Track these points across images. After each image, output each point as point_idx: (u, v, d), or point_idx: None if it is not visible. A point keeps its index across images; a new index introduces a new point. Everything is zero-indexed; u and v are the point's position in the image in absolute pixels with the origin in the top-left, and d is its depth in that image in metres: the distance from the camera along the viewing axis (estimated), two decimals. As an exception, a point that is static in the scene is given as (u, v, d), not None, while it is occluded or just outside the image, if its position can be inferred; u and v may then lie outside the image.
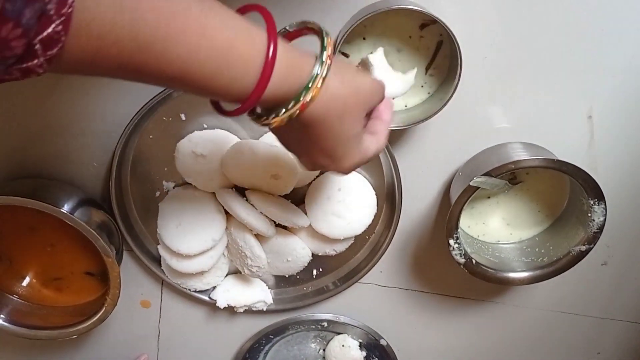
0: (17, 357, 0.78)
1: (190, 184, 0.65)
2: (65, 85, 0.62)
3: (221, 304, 0.70)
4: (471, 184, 0.55)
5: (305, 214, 0.65)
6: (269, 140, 0.62)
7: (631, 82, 0.60)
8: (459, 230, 0.60)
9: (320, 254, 0.69)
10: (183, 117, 0.63)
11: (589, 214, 0.58)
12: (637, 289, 0.73)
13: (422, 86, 0.59)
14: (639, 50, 0.59)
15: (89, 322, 0.66)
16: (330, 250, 0.68)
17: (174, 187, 0.66)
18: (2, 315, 0.67)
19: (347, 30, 0.53)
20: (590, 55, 0.60)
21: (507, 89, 0.62)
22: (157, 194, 0.67)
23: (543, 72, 0.61)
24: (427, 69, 0.58)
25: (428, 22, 0.56)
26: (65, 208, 0.61)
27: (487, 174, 0.56)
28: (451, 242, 0.60)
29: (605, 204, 0.57)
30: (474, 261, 0.61)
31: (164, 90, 0.60)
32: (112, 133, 0.64)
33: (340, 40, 0.54)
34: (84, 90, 0.62)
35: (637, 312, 0.75)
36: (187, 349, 0.79)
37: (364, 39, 0.57)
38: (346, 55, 0.58)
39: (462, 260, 0.61)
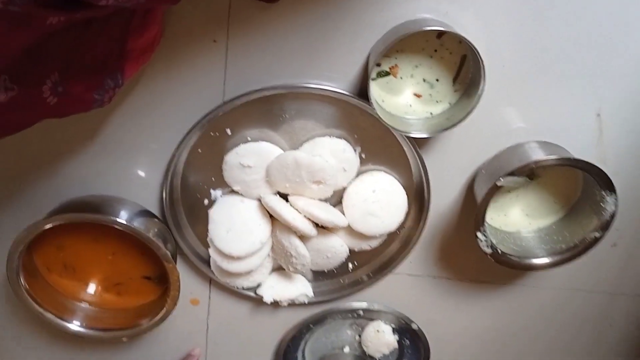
0: (87, 357, 0.85)
1: (237, 192, 0.71)
2: (117, 106, 0.68)
3: (267, 299, 0.76)
4: (498, 184, 0.62)
5: (343, 214, 0.71)
6: (309, 151, 0.68)
7: (637, 83, 0.66)
8: (485, 223, 0.66)
9: (356, 250, 0.75)
10: (229, 131, 0.68)
11: (602, 204, 0.65)
12: (645, 266, 0.80)
13: (449, 103, 0.66)
14: (641, 53, 0.65)
15: (151, 322, 0.73)
16: (365, 245, 0.75)
17: (221, 195, 0.72)
18: (77, 322, 0.74)
19: (381, 53, 0.59)
20: (598, 59, 0.65)
21: (522, 92, 0.68)
22: (206, 202, 0.73)
23: (555, 76, 0.67)
24: (454, 82, 0.64)
25: (445, 32, 0.61)
26: (125, 219, 0.67)
27: (511, 173, 0.62)
28: (479, 234, 0.67)
29: (616, 195, 0.64)
30: (499, 251, 0.68)
31: (213, 109, 0.66)
32: (163, 149, 0.70)
33: (374, 66, 0.60)
34: (135, 110, 0.68)
35: (645, 287, 0.82)
36: (234, 341, 0.86)
37: (386, 55, 0.63)
38: (378, 65, 0.63)
39: (489, 251, 0.68)
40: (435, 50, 0.63)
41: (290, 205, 0.69)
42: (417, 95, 0.66)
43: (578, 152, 0.67)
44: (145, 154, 0.71)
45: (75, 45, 0.48)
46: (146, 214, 0.71)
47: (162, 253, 0.67)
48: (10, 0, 0.36)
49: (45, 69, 0.48)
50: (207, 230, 0.72)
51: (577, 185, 0.70)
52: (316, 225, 0.71)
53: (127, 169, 0.72)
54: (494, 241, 0.68)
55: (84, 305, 0.75)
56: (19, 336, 0.84)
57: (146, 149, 0.71)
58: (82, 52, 0.49)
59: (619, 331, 0.87)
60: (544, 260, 0.69)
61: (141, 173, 0.72)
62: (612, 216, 0.65)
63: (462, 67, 0.64)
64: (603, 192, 0.64)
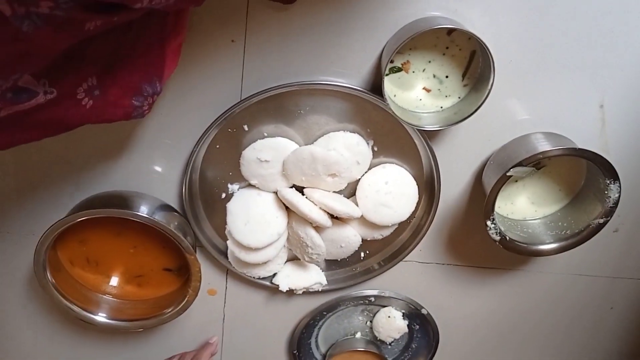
0: (111, 346, 0.88)
1: (254, 186, 0.74)
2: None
3: (283, 288, 0.79)
4: (508, 174, 0.65)
5: (357, 205, 0.74)
6: (324, 145, 0.71)
7: (637, 75, 0.69)
8: (494, 212, 0.69)
9: (368, 239, 0.78)
10: (246, 127, 0.71)
11: (606, 192, 0.68)
12: (645, 250, 0.83)
13: (458, 97, 0.68)
14: (641, 46, 0.68)
15: (173, 311, 0.75)
16: (377, 235, 0.77)
17: (238, 189, 0.75)
18: (103, 314, 0.76)
19: (395, 50, 0.62)
20: (601, 52, 0.68)
21: (527, 85, 0.70)
22: (223, 196, 0.75)
23: (559, 69, 0.69)
24: (463, 77, 0.67)
25: (455, 29, 0.64)
26: (147, 213, 0.69)
27: (519, 163, 0.65)
28: (488, 223, 0.69)
29: (619, 183, 0.67)
30: (507, 238, 0.71)
31: (231, 107, 0.68)
32: (182, 145, 0.72)
33: (387, 62, 0.62)
34: (156, 108, 0.70)
35: (645, 271, 0.86)
36: (249, 329, 0.89)
37: (398, 52, 0.66)
38: (392, 61, 0.66)
39: (497, 238, 0.71)
40: (447, 48, 0.65)
41: (306, 197, 0.72)
42: (427, 90, 0.68)
43: (582, 142, 0.70)
44: (164, 150, 0.73)
45: (115, 49, 0.50)
46: (166, 208, 0.73)
47: (184, 245, 0.69)
48: (56, 4, 0.38)
49: (83, 73, 0.50)
50: (224, 223, 0.75)
51: (581, 174, 0.72)
52: (330, 216, 0.73)
53: (147, 165, 0.74)
54: (502, 229, 0.70)
55: (106, 297, 0.78)
56: (45, 329, 0.87)
57: (165, 146, 0.73)
58: (121, 56, 0.50)
59: (620, 314, 0.91)
60: (550, 246, 0.72)
61: (159, 169, 0.75)
62: (616, 203, 0.68)
63: (471, 62, 0.66)
64: (607, 180, 0.67)
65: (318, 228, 0.74)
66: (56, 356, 0.89)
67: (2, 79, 0.43)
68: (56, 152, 0.73)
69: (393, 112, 0.66)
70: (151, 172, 0.75)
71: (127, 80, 0.52)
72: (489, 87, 0.63)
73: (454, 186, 0.77)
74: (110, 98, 0.52)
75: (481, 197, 0.75)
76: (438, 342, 0.88)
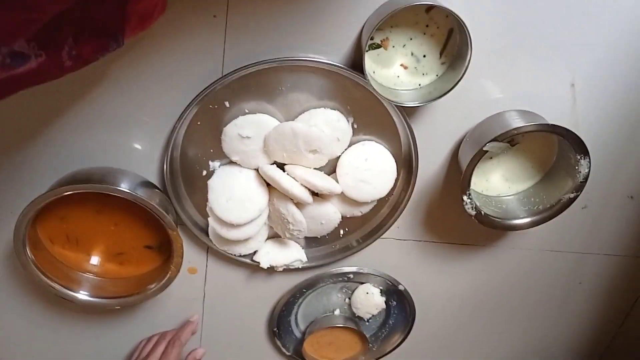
0: (91, 325, 0.88)
1: (235, 163, 0.74)
2: (119, 81, 0.70)
3: (264, 264, 0.80)
4: (484, 149, 0.67)
5: (337, 182, 0.75)
6: (305, 121, 0.72)
7: (608, 55, 0.71)
8: (470, 187, 0.71)
9: (348, 216, 0.79)
10: (227, 104, 0.71)
11: (576, 167, 0.71)
12: (612, 227, 0.86)
13: (436, 75, 0.70)
14: (613, 28, 0.70)
15: (155, 288, 0.76)
16: (357, 212, 0.79)
17: (219, 166, 0.75)
18: (84, 292, 0.76)
19: (375, 27, 0.63)
20: (573, 33, 0.70)
21: (502, 64, 0.72)
22: (204, 173, 0.76)
23: (532, 49, 0.71)
24: (440, 55, 0.69)
25: (434, 6, 0.65)
26: (129, 190, 0.69)
27: (495, 139, 0.67)
28: (464, 197, 0.72)
29: (590, 158, 0.69)
30: (482, 212, 0.73)
31: (213, 83, 0.68)
32: (163, 122, 0.73)
33: (368, 39, 0.64)
34: (136, 84, 0.70)
35: (611, 246, 0.89)
36: (230, 308, 0.89)
37: (379, 29, 0.67)
38: (372, 38, 0.67)
39: (473, 213, 0.73)
40: (427, 26, 0.67)
41: (287, 174, 0.73)
42: (404, 67, 0.70)
43: (553, 120, 0.72)
44: (145, 127, 0.73)
45: (85, 10, 0.51)
46: (147, 184, 0.73)
47: (166, 221, 0.70)
48: None
49: (64, 34, 0.51)
50: (205, 200, 0.76)
51: (553, 151, 0.75)
52: (311, 193, 0.74)
53: (127, 142, 0.74)
54: (478, 204, 0.73)
55: (87, 275, 0.78)
56: (24, 309, 0.86)
57: (145, 123, 0.73)
58: (90, 16, 0.52)
59: (588, 289, 0.94)
60: (524, 221, 0.75)
61: (139, 146, 0.75)
62: (586, 178, 0.71)
63: (449, 40, 0.68)
64: (577, 156, 0.69)
65: (299, 205, 0.75)
66: (37, 335, 0.89)
67: (6, 46, 0.44)
68: (36, 130, 0.73)
69: (373, 88, 0.67)
70: (132, 149, 0.75)
71: (96, 39, 0.54)
72: (467, 63, 0.65)
73: (431, 164, 0.79)
74: (83, 56, 0.54)
75: (457, 175, 0.77)
76: (415, 318, 0.91)
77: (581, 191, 0.72)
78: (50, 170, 0.75)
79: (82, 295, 0.76)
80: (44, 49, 0.49)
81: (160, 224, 0.72)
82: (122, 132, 0.74)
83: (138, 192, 0.69)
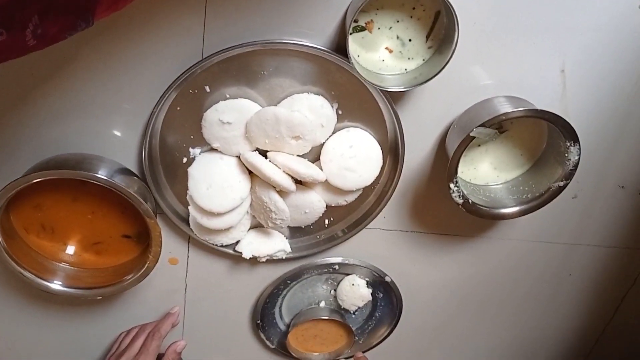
0: (69, 317, 0.86)
1: (216, 150, 0.72)
2: (95, 65, 0.68)
3: (247, 255, 0.78)
4: (471, 134, 0.65)
5: (321, 169, 0.73)
6: (288, 107, 0.70)
7: (597, 40, 0.69)
8: (457, 175, 0.69)
9: (333, 205, 0.77)
10: (207, 88, 0.69)
11: (566, 154, 0.69)
12: (602, 217, 0.85)
13: (422, 59, 0.68)
14: (602, 13, 0.68)
15: (133, 278, 0.74)
16: (342, 201, 0.77)
17: (200, 153, 0.73)
18: (58, 282, 0.74)
19: (359, 8, 0.61)
20: (562, 17, 0.68)
21: (491, 49, 0.70)
22: (184, 160, 0.74)
23: (521, 34, 0.69)
24: (427, 38, 0.67)
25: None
26: (106, 176, 0.67)
27: (482, 125, 0.65)
28: (451, 185, 0.70)
29: (579, 145, 0.68)
30: (470, 201, 0.71)
31: (192, 66, 0.66)
32: (141, 107, 0.70)
33: (351, 21, 0.62)
34: (112, 68, 0.68)
35: (602, 237, 0.87)
36: (212, 299, 0.88)
37: (364, 11, 0.65)
38: (356, 20, 0.65)
39: (460, 201, 0.71)
40: (414, 8, 0.65)
41: (270, 161, 0.71)
42: (389, 50, 0.68)
43: (543, 107, 0.70)
44: (123, 113, 0.71)
45: None
46: (126, 172, 0.71)
47: (143, 209, 0.68)
48: None
49: (28, 12, 0.48)
50: (186, 188, 0.73)
51: (542, 139, 0.73)
52: (295, 181, 0.72)
53: (104, 128, 0.72)
54: (465, 192, 0.71)
55: (63, 265, 0.75)
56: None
57: (123, 108, 0.71)
58: None
59: (577, 279, 0.93)
60: (512, 210, 0.73)
61: (117, 132, 0.73)
62: (576, 165, 0.69)
63: (436, 23, 0.66)
64: (567, 143, 0.68)
65: (282, 193, 0.73)
66: (11, 328, 0.87)
67: None
68: (10, 115, 0.70)
69: (358, 72, 0.65)
70: (110, 136, 0.73)
71: (63, 18, 0.52)
72: (453, 46, 0.63)
73: (418, 151, 0.77)
74: (49, 35, 0.51)
75: (445, 163, 0.75)
76: (402, 310, 0.89)
77: (571, 179, 0.70)
78: (24, 158, 0.72)
79: (57, 286, 0.74)
80: (5, 28, 0.47)
81: (138, 213, 0.70)
82: (99, 117, 0.71)
83: (115, 179, 0.67)
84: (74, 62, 0.67)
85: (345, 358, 0.93)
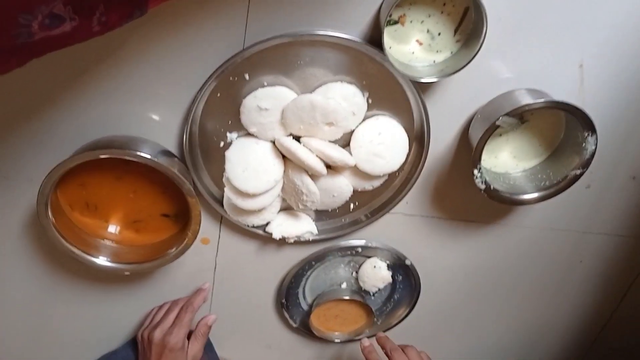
0: (103, 293, 0.90)
1: (252, 135, 0.76)
2: (140, 51, 0.71)
3: (276, 235, 0.82)
4: (497, 123, 0.69)
5: (351, 155, 0.77)
6: (322, 95, 0.74)
7: (615, 36, 0.74)
8: (481, 162, 0.74)
9: (359, 190, 0.81)
10: (247, 77, 0.73)
11: (583, 144, 0.73)
12: (614, 206, 0.89)
13: (450, 52, 0.72)
14: (620, 11, 0.72)
15: (172, 255, 0.78)
16: (368, 185, 0.81)
17: (236, 138, 0.77)
18: (103, 257, 0.78)
19: (394, 3, 0.65)
20: (582, 14, 0.72)
21: (512, 44, 0.74)
22: (221, 144, 0.78)
23: (542, 30, 0.73)
24: (455, 32, 0.71)
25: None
26: (150, 157, 0.71)
27: (507, 114, 0.69)
28: (475, 172, 0.74)
29: (597, 136, 0.72)
30: (492, 187, 0.75)
31: (234, 55, 0.70)
32: (182, 93, 0.74)
33: (387, 15, 0.66)
34: (158, 55, 0.72)
35: (613, 226, 0.92)
36: (240, 278, 0.92)
37: (398, 6, 0.69)
38: (390, 14, 0.69)
39: (483, 187, 0.75)
40: (444, 4, 0.69)
41: (303, 145, 0.75)
42: (419, 43, 0.72)
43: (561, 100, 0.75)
44: (164, 98, 0.75)
45: None
46: (167, 153, 0.75)
47: (186, 188, 0.72)
48: None
49: (95, 0, 0.52)
50: (222, 171, 0.78)
51: (561, 129, 0.78)
52: (325, 165, 0.76)
53: (146, 112, 0.76)
54: (487, 178, 0.75)
55: (104, 242, 0.79)
56: (41, 274, 0.88)
57: (165, 94, 0.75)
58: None
59: (588, 268, 0.97)
60: (531, 196, 0.77)
61: (157, 117, 0.76)
62: (592, 154, 0.73)
63: (464, 18, 0.70)
64: (585, 133, 0.72)
65: (313, 177, 0.77)
66: (51, 301, 0.91)
67: (46, 5, 0.45)
68: (55, 97, 0.74)
69: (390, 63, 0.69)
70: (150, 120, 0.76)
71: (123, 7, 0.56)
72: (481, 41, 0.67)
73: (442, 140, 0.81)
74: (110, 23, 0.56)
75: (467, 152, 0.80)
76: (420, 293, 0.93)
77: (587, 167, 0.75)
78: (68, 139, 0.76)
79: (101, 261, 0.78)
80: (78, 14, 0.51)
81: (177, 192, 0.74)
82: (142, 101, 0.75)
83: (159, 160, 0.71)
84: (123, 48, 0.70)
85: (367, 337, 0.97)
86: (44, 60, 0.57)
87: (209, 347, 0.93)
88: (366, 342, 0.89)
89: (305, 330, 0.96)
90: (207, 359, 0.90)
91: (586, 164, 0.74)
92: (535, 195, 0.77)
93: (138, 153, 0.69)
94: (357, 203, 0.85)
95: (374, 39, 0.71)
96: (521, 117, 0.76)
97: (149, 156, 0.69)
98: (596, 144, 0.73)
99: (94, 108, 0.75)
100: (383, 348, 0.87)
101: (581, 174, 0.75)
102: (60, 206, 0.76)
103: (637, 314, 1.04)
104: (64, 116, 0.75)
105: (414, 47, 0.72)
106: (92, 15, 0.54)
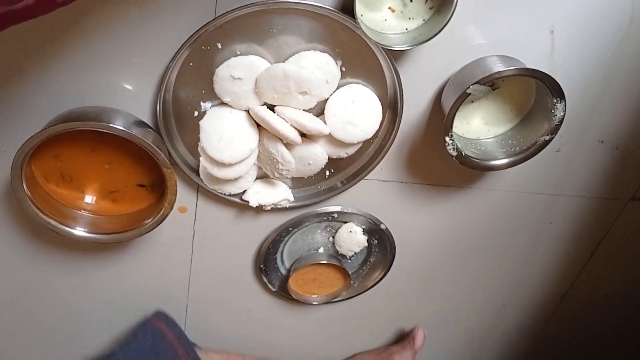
0: (81, 264, 0.91)
1: (226, 104, 0.76)
2: (111, 20, 0.71)
3: (253, 203, 0.83)
4: (468, 91, 0.70)
5: (325, 123, 0.78)
6: (295, 63, 0.74)
7: (585, 3, 0.74)
8: (452, 129, 0.75)
9: (334, 157, 0.82)
10: (219, 45, 0.73)
11: (552, 111, 0.74)
12: (582, 169, 0.91)
13: (423, 19, 0.72)
14: (591, -24, 0.73)
15: (149, 224, 0.78)
16: (343, 153, 0.82)
17: (210, 107, 0.77)
18: (80, 228, 0.79)
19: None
20: (553, -19, 0.73)
21: (483, 10, 0.74)
22: (195, 114, 0.78)
23: (514, -5, 0.74)
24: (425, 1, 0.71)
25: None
26: (124, 128, 0.71)
27: (478, 82, 0.70)
28: (447, 139, 0.75)
29: (565, 102, 0.73)
30: (463, 154, 0.77)
31: (206, 23, 0.70)
32: (154, 62, 0.74)
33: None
34: (128, 24, 0.71)
35: (581, 188, 0.94)
36: (218, 246, 0.93)
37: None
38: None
39: (454, 154, 0.76)
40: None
41: (278, 115, 0.75)
42: (392, 10, 0.72)
43: (532, 65, 0.75)
44: (136, 67, 0.74)
45: None
46: (141, 124, 0.75)
47: (161, 159, 0.72)
48: None
49: None
50: (196, 140, 0.78)
51: (531, 95, 0.79)
52: (300, 134, 0.77)
53: (118, 82, 0.75)
54: (459, 145, 0.76)
55: (81, 212, 0.80)
56: (18, 247, 0.88)
57: (136, 63, 0.74)
58: None
59: (558, 229, 1.00)
60: (502, 161, 0.79)
61: (130, 87, 0.76)
62: (561, 121, 0.75)
63: (436, -15, 0.70)
64: (554, 100, 0.73)
65: (288, 145, 0.77)
66: (27, 272, 0.91)
67: None
68: (31, 68, 0.73)
69: (362, 31, 0.69)
70: (122, 89, 0.76)
71: None
72: (453, 7, 0.68)
73: (414, 107, 0.82)
74: None
75: (439, 118, 0.81)
76: (394, 256, 0.96)
77: (556, 133, 0.76)
78: (41, 110, 0.75)
79: (79, 231, 0.78)
80: None
81: (153, 162, 0.74)
82: (114, 71, 0.74)
83: (133, 131, 0.71)
84: (91, 16, 0.69)
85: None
86: (10, 32, 0.57)
87: (171, 323, 0.94)
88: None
89: (284, 294, 0.98)
90: (172, 335, 0.91)
91: (555, 130, 0.76)
92: (505, 161, 0.79)
93: (111, 125, 0.69)
94: (332, 170, 0.86)
95: (347, 6, 0.71)
96: (492, 84, 0.77)
97: (122, 128, 0.69)
98: (565, 111, 0.74)
99: (67, 78, 0.74)
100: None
101: (550, 140, 0.77)
102: (35, 178, 0.76)
103: (604, 271, 1.08)
104: (36, 87, 0.74)
105: (386, 15, 0.72)
106: None
